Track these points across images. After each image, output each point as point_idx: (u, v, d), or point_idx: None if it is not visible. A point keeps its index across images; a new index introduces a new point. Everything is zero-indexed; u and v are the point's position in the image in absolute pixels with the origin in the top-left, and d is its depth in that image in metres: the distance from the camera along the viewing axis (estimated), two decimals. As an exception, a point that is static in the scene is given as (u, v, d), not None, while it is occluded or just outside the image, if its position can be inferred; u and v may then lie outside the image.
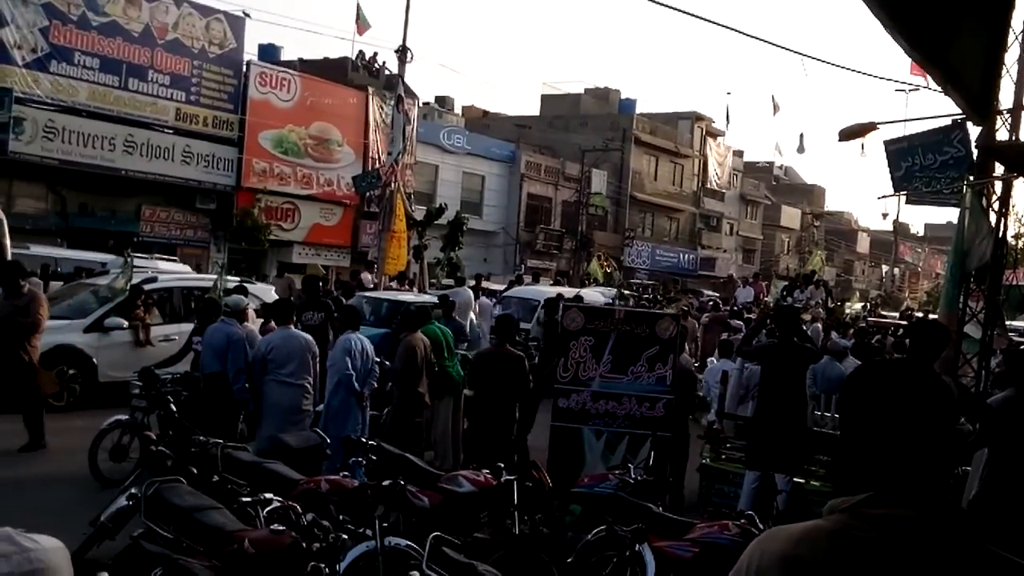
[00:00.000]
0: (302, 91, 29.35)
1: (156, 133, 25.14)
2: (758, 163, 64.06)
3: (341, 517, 5.51)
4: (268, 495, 5.50)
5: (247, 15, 27.59)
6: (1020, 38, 8.59)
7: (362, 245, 30.01)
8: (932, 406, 1.60)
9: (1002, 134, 8.51)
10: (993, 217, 8.44)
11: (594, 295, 20.28)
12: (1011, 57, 8.56)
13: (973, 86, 8.15)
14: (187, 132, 25.92)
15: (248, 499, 5.47)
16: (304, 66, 32.67)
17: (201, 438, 6.60)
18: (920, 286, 63.06)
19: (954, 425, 1.69)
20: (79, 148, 23.25)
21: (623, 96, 49.90)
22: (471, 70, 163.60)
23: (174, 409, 8.01)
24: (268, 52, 33.34)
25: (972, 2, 7.03)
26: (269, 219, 28.13)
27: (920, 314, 24.99)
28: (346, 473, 6.42)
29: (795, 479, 8.01)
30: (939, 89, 8.43)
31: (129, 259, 13.44)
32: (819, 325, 17.40)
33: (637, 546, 5.43)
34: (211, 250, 26.81)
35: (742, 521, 5.63)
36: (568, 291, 21.85)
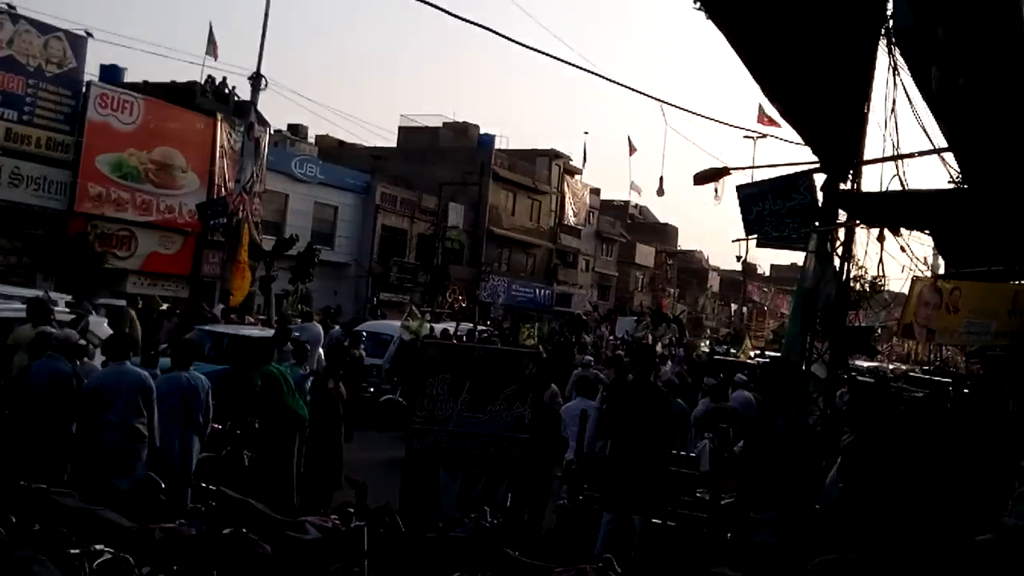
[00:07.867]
0: (145, 114, 28.07)
1: (-18, 154, 23.46)
2: (614, 201, 65.83)
3: (176, 568, 5.10)
4: (98, 546, 5.04)
5: (89, 35, 26.19)
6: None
7: (204, 275, 28.79)
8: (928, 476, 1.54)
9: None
10: (837, 261, 8.81)
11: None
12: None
13: (830, 141, 8.55)
14: (18, 153, 24.33)
15: (76, 551, 4.99)
16: (149, 89, 31.20)
17: (22, 483, 6.00)
18: (766, 324, 66.05)
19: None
20: None
21: (482, 131, 49.78)
22: (328, 100, 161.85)
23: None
24: (111, 73, 31.70)
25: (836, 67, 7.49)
26: (103, 247, 26.55)
27: (771, 353, 25.97)
28: (183, 521, 5.96)
29: (653, 520, 8.00)
30: (796, 140, 8.82)
31: None
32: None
33: (492, 593, 5.25)
34: (38, 279, 25.09)
35: (599, 564, 5.52)
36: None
